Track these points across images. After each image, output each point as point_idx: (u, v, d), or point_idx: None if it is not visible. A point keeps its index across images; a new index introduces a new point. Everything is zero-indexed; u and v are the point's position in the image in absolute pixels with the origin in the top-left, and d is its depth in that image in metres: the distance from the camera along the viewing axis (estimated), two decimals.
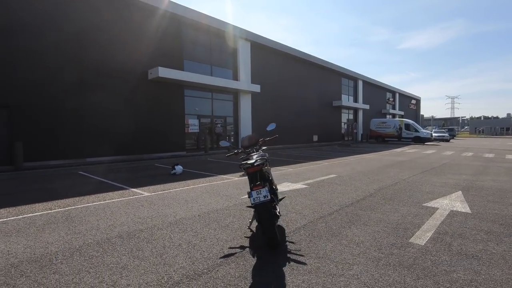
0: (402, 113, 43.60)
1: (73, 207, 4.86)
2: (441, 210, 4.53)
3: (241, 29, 18.18)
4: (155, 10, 13.85)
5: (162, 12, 14.10)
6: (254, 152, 4.12)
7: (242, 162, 3.34)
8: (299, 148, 20.10)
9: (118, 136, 12.68)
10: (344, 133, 30.32)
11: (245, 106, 18.85)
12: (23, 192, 6.14)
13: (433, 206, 4.80)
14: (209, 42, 16.83)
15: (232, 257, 2.93)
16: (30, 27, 10.41)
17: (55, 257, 2.93)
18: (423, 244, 3.21)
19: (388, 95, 41.01)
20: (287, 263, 2.77)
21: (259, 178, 3.20)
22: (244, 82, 18.43)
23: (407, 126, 27.80)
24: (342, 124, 30.09)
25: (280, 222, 4.01)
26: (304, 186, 6.58)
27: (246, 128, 18.70)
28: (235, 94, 18.52)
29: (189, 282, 2.44)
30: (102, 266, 2.74)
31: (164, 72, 13.44)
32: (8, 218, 4.24)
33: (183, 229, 3.75)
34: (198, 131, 16.36)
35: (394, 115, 41.38)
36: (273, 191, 3.62)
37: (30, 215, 4.41)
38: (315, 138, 25.41)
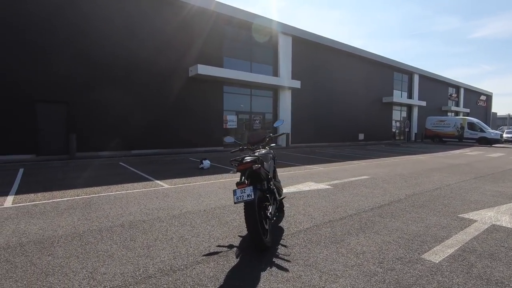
0: (468, 110, 38.76)
1: (97, 195, 5.25)
2: (479, 224, 3.84)
3: (282, 24, 17.89)
4: (198, 9, 14.31)
5: (205, 10, 14.51)
6: (260, 149, 3.97)
7: (232, 159, 3.20)
8: (341, 147, 19.14)
9: (161, 131, 13.47)
10: (395, 131, 28.04)
11: (285, 103, 18.53)
12: (62, 179, 6.85)
13: (470, 218, 4.09)
14: (249, 39, 16.87)
15: (215, 255, 2.83)
16: (86, 33, 11.56)
17: (57, 241, 3.15)
18: (437, 261, 2.72)
19: (451, 90, 36.77)
20: (268, 268, 2.58)
21: (247, 175, 3.04)
22: (284, 78, 18.12)
23: (471, 125, 24.57)
24: (393, 122, 27.86)
25: (283, 223, 3.80)
26: (327, 186, 6.18)
27: (284, 124, 18.40)
28: (275, 90, 18.32)
29: (161, 277, 2.41)
30: (92, 252, 2.86)
31: (203, 70, 13.84)
32: (40, 202, 4.74)
33: (182, 223, 3.77)
34: (236, 127, 16.56)
35: (457, 113, 37.01)
36: (271, 190, 3.42)
37: (58, 200, 4.87)
38: (361, 136, 23.95)
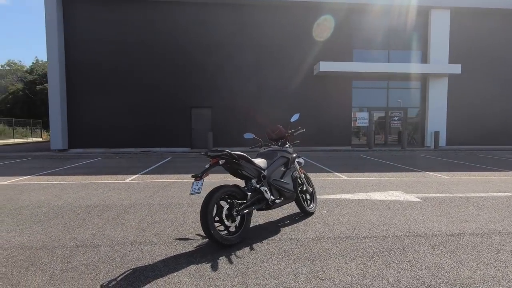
0: None
1: (185, 180, 6.39)
2: None
3: None
4: (326, 5, 13.99)
5: (332, 5, 13.99)
6: (278, 145, 3.70)
7: (203, 152, 3.13)
8: None
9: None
10: None
11: (437, 93, 14.83)
12: (189, 167, 8.67)
13: None
14: (385, 24, 14.68)
15: (162, 244, 2.93)
16: (221, 50, 13.91)
17: (90, 210, 4.21)
18: None
19: None
20: (198, 261, 2.45)
21: (229, 170, 2.96)
22: (437, 63, 14.52)
23: None
24: None
25: (291, 226, 3.33)
26: (415, 199, 4.65)
27: (437, 121, 14.73)
28: (423, 80, 15.04)
29: (98, 247, 2.82)
30: (85, 222, 3.66)
31: (326, 66, 13.40)
32: (150, 181, 6.33)
33: (192, 210, 4.02)
34: (367, 125, 14.88)
35: None
36: (256, 190, 3.11)
37: (160, 181, 6.33)
38: None
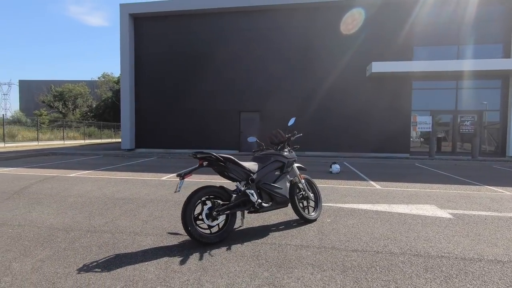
0: None
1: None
2: None
3: None
4: (382, 3, 13.10)
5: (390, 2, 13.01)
6: (276, 150, 3.72)
7: (191, 153, 3.30)
8: None
9: (331, 134, 13.67)
10: None
11: None
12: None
13: None
14: (455, 16, 12.96)
15: (154, 236, 3.19)
16: (268, 57, 14.12)
17: (117, 201, 4.75)
18: None
19: None
20: (172, 255, 2.64)
21: (217, 171, 3.12)
22: None
23: None
24: None
25: (269, 231, 3.31)
26: (446, 215, 4.06)
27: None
28: (504, 78, 12.81)
29: (102, 233, 3.21)
30: (107, 211, 4.14)
31: (379, 67, 12.48)
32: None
33: None
34: (430, 130, 13.30)
35: None
36: (243, 192, 3.18)
37: (190, 180, 6.80)
38: None
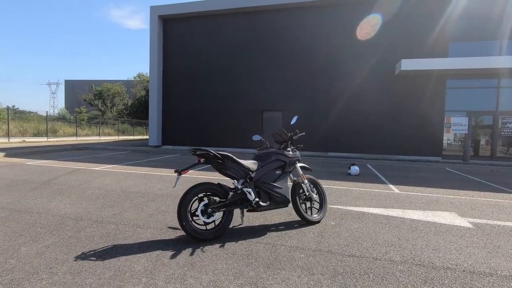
0: None
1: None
2: None
3: None
4: None
5: None
6: (279, 149, 3.68)
7: (191, 149, 3.33)
8: None
9: (356, 135, 13.20)
10: None
11: None
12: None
13: None
14: (497, 7, 11.89)
15: (154, 230, 3.28)
16: (293, 55, 13.93)
17: (130, 195, 4.92)
18: None
19: None
20: (162, 251, 2.71)
21: (215, 168, 3.14)
22: None
23: None
24: None
25: (268, 230, 3.26)
26: (466, 225, 3.74)
27: None
28: None
29: (107, 224, 3.35)
30: (118, 204, 4.30)
31: (409, 64, 11.82)
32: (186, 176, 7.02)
33: None
34: (466, 132, 12.36)
35: None
36: (236, 189, 3.17)
37: (205, 176, 6.94)
38: None
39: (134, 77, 55.43)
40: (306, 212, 3.61)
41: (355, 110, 13.23)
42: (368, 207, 4.45)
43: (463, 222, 3.83)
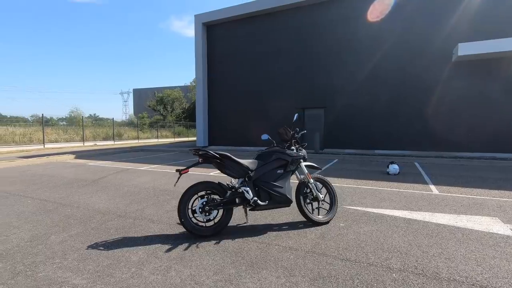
0: None
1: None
2: None
3: None
4: None
5: None
6: (283, 147, 3.67)
7: (193, 149, 3.48)
8: None
9: (406, 131, 12.11)
10: None
11: None
12: None
13: None
14: None
15: (164, 225, 3.51)
16: (335, 48, 13.34)
17: (158, 192, 5.29)
18: None
19: None
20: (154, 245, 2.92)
21: (217, 167, 3.27)
22: None
23: None
24: None
25: (269, 230, 3.25)
26: (507, 232, 3.21)
27: None
28: None
29: (127, 218, 3.69)
30: (145, 200, 4.66)
31: (470, 48, 10.40)
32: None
33: None
34: None
35: None
36: (234, 189, 3.24)
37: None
38: None
39: (190, 82, 59.05)
40: (313, 213, 3.50)
41: (404, 103, 12.14)
42: (391, 209, 4.10)
43: (503, 229, 3.29)
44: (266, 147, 4.08)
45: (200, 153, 3.22)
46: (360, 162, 9.91)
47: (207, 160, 3.23)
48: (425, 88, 11.80)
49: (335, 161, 10.25)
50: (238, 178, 3.31)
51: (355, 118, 13.08)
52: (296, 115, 3.79)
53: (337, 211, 3.72)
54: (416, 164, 9.13)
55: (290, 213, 3.87)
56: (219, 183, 3.27)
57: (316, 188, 3.55)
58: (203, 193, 3.24)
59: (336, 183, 6.04)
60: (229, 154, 3.29)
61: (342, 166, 8.73)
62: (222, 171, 3.32)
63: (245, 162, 3.35)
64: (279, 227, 3.43)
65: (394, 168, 7.03)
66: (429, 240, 2.98)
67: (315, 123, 14.11)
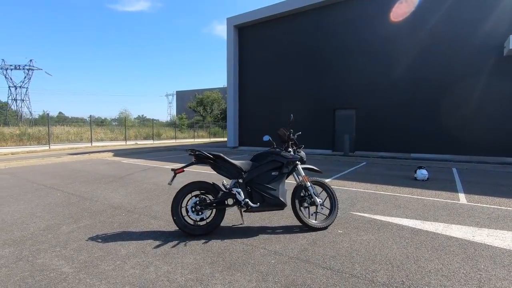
0: None
1: None
2: None
3: None
4: None
5: None
6: (281, 148, 3.62)
7: (189, 149, 3.55)
8: None
9: (447, 133, 11.09)
10: None
11: None
12: None
13: None
14: None
15: (164, 221, 3.61)
16: (368, 51, 12.69)
17: (171, 191, 5.45)
18: None
19: None
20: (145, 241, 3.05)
21: (212, 167, 3.33)
22: None
23: None
24: None
25: (262, 232, 3.21)
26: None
27: None
28: None
29: (133, 214, 3.89)
30: (157, 198, 4.83)
31: None
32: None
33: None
34: None
35: None
36: (226, 189, 3.25)
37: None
38: None
39: (224, 85, 60.37)
40: (309, 217, 3.38)
41: (444, 104, 11.11)
42: (402, 217, 3.79)
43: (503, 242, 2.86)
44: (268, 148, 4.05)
45: (195, 153, 3.30)
46: (389, 166, 9.30)
47: (201, 160, 3.30)
48: (469, 86, 10.68)
49: (362, 164, 9.75)
50: (232, 179, 3.33)
51: (389, 119, 12.32)
52: (291, 115, 3.69)
53: (336, 216, 3.54)
54: (454, 169, 8.32)
55: (290, 216, 3.78)
56: (213, 183, 3.32)
57: (314, 192, 3.42)
58: (197, 192, 3.31)
59: (352, 187, 5.75)
60: (222, 155, 3.33)
61: (368, 170, 8.27)
62: (216, 171, 3.37)
63: (238, 163, 3.35)
64: (273, 230, 3.37)
65: (422, 173, 6.48)
66: (431, 254, 2.70)
67: (345, 124, 13.58)
